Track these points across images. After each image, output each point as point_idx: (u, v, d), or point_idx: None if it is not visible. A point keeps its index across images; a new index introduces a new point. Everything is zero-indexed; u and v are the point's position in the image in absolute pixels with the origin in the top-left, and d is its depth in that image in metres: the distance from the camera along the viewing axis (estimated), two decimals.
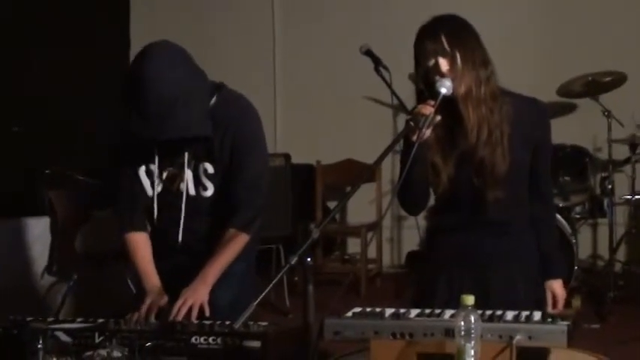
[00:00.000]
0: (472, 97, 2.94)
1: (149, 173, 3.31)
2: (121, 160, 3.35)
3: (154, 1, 8.33)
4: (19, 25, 6.65)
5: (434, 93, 2.88)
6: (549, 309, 3.09)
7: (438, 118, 2.84)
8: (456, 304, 2.37)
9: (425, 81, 2.97)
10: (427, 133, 2.82)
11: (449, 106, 2.94)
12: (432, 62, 2.94)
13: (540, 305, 3.00)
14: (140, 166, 3.31)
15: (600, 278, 6.43)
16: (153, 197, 3.32)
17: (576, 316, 3.07)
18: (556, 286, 3.14)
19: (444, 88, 2.87)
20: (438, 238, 3.19)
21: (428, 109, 2.81)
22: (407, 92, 5.75)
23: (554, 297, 3.13)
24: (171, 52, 3.10)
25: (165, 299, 3.13)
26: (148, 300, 3.14)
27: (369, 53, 5.98)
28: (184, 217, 3.30)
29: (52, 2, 7.02)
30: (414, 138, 2.79)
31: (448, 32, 2.95)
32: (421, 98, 2.94)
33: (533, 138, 3.04)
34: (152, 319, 3.05)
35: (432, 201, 3.16)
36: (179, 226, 3.31)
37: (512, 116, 2.99)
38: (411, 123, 2.79)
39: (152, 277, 3.26)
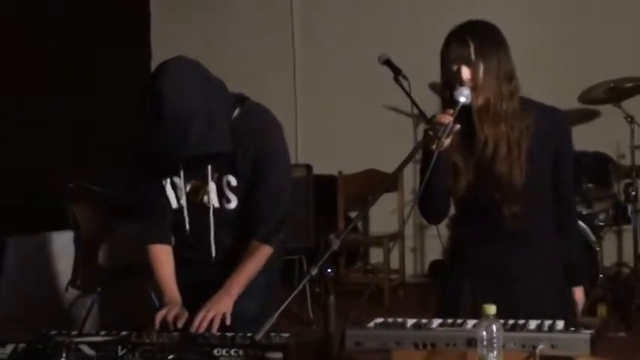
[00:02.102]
0: (489, 111, 2.93)
1: (174, 186, 3.32)
2: (145, 173, 3.36)
3: (174, 13, 8.37)
4: (40, 40, 6.70)
5: (453, 101, 2.87)
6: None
7: (458, 126, 2.83)
8: (480, 314, 2.36)
9: (447, 84, 2.96)
10: (446, 142, 2.82)
11: (470, 114, 2.94)
12: (455, 68, 2.93)
13: (567, 314, 2.98)
14: (165, 179, 3.32)
15: (626, 286, 6.39)
16: (178, 210, 3.33)
17: (601, 324, 3.04)
18: (577, 293, 3.13)
19: (463, 96, 2.86)
20: (462, 248, 3.18)
21: (447, 118, 2.80)
22: (427, 101, 5.77)
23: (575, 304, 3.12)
24: (188, 68, 3.11)
25: (185, 314, 3.13)
26: (165, 311, 3.14)
27: (387, 63, 5.98)
28: (213, 229, 3.31)
29: (73, 15, 7.06)
30: (434, 147, 2.78)
31: (476, 40, 2.92)
32: (447, 105, 2.93)
33: (552, 146, 3.02)
34: (172, 328, 3.06)
35: (453, 210, 3.15)
36: (209, 240, 3.32)
37: (533, 127, 2.98)
38: (430, 132, 2.79)
39: (172, 291, 3.27)
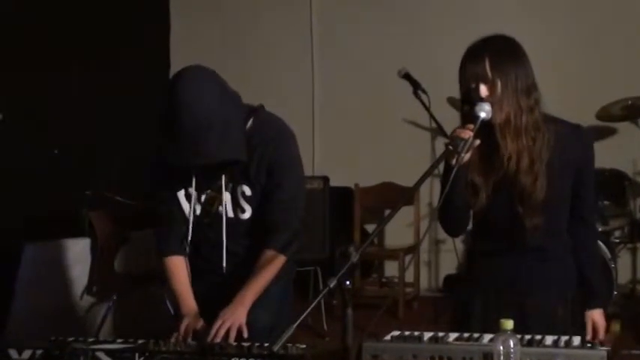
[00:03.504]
0: (510, 126, 2.93)
1: (188, 196, 3.34)
2: (159, 184, 3.38)
3: (193, 24, 8.40)
4: (59, 49, 6.73)
5: (473, 116, 2.88)
6: (588, 338, 3.06)
7: (477, 142, 2.84)
8: (492, 328, 2.36)
9: (467, 101, 2.97)
10: (466, 157, 2.83)
11: (489, 130, 2.94)
12: (473, 86, 2.94)
13: (579, 330, 2.98)
14: (179, 189, 3.33)
15: None
16: (192, 220, 3.34)
17: (616, 341, 3.03)
18: (596, 316, 3.10)
19: (483, 112, 2.86)
20: (477, 261, 3.19)
21: (467, 133, 2.81)
22: (445, 115, 5.77)
23: (594, 326, 3.10)
24: (204, 76, 3.12)
25: (200, 323, 3.15)
26: (184, 323, 3.16)
27: (407, 77, 6.00)
28: (225, 240, 3.32)
29: (91, 25, 7.10)
30: (453, 162, 2.79)
31: (492, 57, 2.92)
32: (466, 119, 2.94)
33: (574, 164, 3.02)
34: (189, 340, 3.07)
35: (471, 225, 3.16)
36: (222, 250, 3.32)
37: (554, 142, 2.97)
38: (450, 147, 2.80)
39: (189, 301, 3.28)
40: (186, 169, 3.26)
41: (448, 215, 3.04)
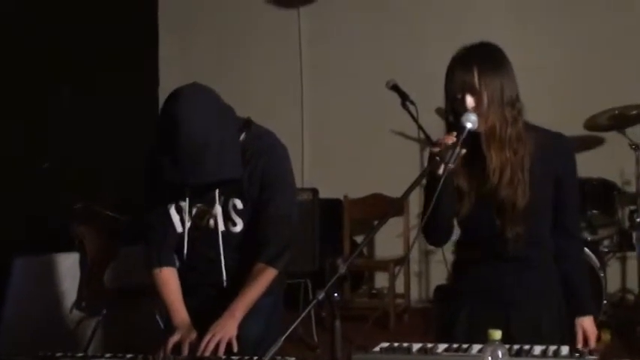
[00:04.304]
0: (496, 137, 2.93)
1: (179, 209, 3.33)
2: (151, 197, 3.38)
3: (182, 39, 8.40)
4: (51, 64, 6.73)
5: (459, 126, 2.88)
6: (580, 346, 3.06)
7: (464, 151, 2.84)
8: (476, 338, 2.36)
9: (452, 110, 2.97)
10: (452, 167, 2.83)
11: (474, 138, 2.94)
12: (459, 96, 2.94)
13: (564, 341, 2.97)
14: (170, 203, 3.34)
15: (630, 312, 6.39)
16: (183, 233, 3.34)
17: (605, 350, 3.03)
18: (587, 324, 3.09)
19: (469, 122, 2.86)
20: (462, 272, 3.19)
21: (451, 139, 2.81)
22: (433, 126, 5.79)
23: (584, 334, 3.10)
24: (202, 95, 3.13)
25: (194, 335, 3.14)
26: (177, 335, 3.15)
27: (395, 88, 6.01)
28: (219, 253, 3.31)
29: (82, 41, 7.10)
30: (440, 172, 2.79)
31: (480, 66, 2.91)
32: (451, 129, 2.93)
33: (555, 173, 3.02)
34: (185, 352, 3.06)
35: (458, 235, 3.16)
36: (220, 264, 3.32)
37: (535, 151, 2.98)
38: (437, 158, 2.80)
39: (181, 313, 3.27)
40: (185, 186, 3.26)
41: (432, 225, 3.02)
